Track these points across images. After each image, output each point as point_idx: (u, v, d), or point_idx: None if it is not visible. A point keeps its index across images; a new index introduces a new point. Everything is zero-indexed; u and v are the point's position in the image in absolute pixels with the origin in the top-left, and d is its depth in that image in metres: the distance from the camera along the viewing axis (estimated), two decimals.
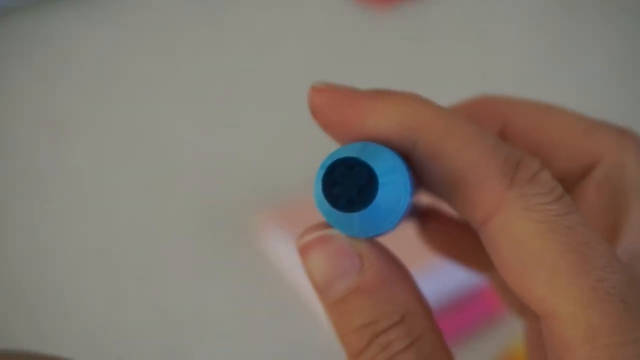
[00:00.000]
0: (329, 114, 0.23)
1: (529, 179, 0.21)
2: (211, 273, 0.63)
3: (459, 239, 0.28)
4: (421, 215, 0.29)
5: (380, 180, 0.19)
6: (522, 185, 0.21)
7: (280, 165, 0.73)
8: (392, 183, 0.20)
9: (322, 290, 0.22)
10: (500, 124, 0.26)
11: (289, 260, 0.62)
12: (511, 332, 0.57)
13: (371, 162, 0.19)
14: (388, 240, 0.23)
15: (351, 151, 0.20)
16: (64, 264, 0.64)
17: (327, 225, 0.22)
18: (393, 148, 0.22)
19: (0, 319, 0.59)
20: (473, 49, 0.90)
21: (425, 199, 0.27)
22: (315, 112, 0.23)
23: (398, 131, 0.22)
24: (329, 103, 0.23)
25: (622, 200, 0.24)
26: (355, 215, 0.20)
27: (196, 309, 0.60)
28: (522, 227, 0.21)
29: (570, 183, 0.26)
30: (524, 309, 0.27)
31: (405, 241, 0.55)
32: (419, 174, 0.23)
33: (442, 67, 0.87)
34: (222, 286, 0.62)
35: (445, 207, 0.25)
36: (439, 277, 0.57)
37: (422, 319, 0.21)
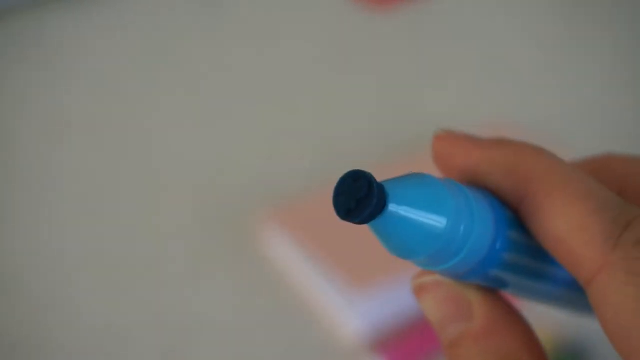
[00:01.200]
0: (448, 161, 0.24)
1: (636, 241, 0.21)
2: (211, 273, 0.63)
3: None
4: None
5: (397, 201, 0.20)
6: (627, 247, 0.21)
7: (280, 165, 0.73)
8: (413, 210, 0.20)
9: (437, 331, 0.23)
10: (620, 182, 0.25)
11: (289, 260, 0.63)
12: None
13: (390, 182, 0.21)
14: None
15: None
16: (64, 264, 0.64)
17: (435, 272, 0.23)
18: (503, 198, 0.23)
19: (1, 318, 0.59)
20: (473, 49, 0.90)
21: None
22: (436, 158, 0.24)
23: (508, 180, 0.23)
24: (449, 151, 0.24)
25: None
26: (374, 228, 0.21)
27: (196, 309, 0.60)
28: (623, 291, 0.20)
29: None
30: None
31: None
32: (530, 227, 0.23)
33: (442, 68, 0.87)
34: (222, 286, 0.62)
35: None
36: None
37: None
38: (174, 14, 0.96)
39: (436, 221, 0.20)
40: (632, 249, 0.21)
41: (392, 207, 0.20)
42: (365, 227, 0.65)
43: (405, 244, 0.21)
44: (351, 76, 0.85)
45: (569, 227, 0.21)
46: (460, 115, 0.79)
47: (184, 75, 0.86)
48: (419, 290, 0.23)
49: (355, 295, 0.59)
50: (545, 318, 0.59)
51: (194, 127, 0.78)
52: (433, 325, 0.23)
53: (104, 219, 0.68)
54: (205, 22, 0.95)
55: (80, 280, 0.63)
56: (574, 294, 0.25)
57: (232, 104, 0.81)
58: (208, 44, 0.91)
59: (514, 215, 0.23)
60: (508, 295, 0.25)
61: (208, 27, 0.94)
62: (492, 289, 0.23)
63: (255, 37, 0.92)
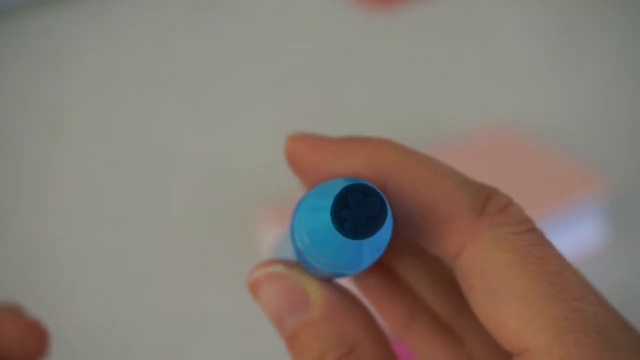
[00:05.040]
0: (302, 158, 0.24)
1: (499, 210, 0.21)
2: (211, 273, 0.63)
3: (389, 293, 0.27)
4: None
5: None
6: (491, 216, 0.21)
7: (280, 165, 0.73)
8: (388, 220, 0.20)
9: (276, 325, 0.23)
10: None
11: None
12: None
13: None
14: None
15: (338, 184, 0.20)
16: (64, 264, 0.64)
17: (275, 262, 0.23)
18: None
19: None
20: (473, 49, 0.90)
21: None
22: (289, 157, 0.24)
23: (368, 171, 0.23)
24: (302, 148, 0.24)
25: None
26: (349, 244, 0.19)
27: (196, 309, 0.60)
28: (492, 257, 0.21)
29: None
30: None
31: None
32: (395, 209, 0.23)
33: (441, 68, 0.87)
34: (222, 286, 0.62)
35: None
36: None
37: (372, 349, 0.22)
38: (174, 13, 0.96)
39: (389, 231, 0.20)
40: (497, 217, 0.21)
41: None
42: None
43: (363, 257, 0.20)
44: (350, 76, 0.85)
45: (434, 202, 0.22)
46: (460, 116, 0.79)
47: (184, 75, 0.86)
48: (255, 285, 0.23)
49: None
50: None
51: (194, 127, 0.78)
52: (271, 320, 0.23)
53: (104, 218, 0.68)
54: (205, 22, 0.94)
55: (79, 279, 0.63)
56: None
57: (232, 104, 0.81)
58: (208, 44, 0.90)
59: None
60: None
61: (208, 27, 0.93)
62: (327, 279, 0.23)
63: (254, 37, 0.92)
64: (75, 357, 0.57)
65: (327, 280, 0.23)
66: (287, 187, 0.71)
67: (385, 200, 0.19)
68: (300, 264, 0.23)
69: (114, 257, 0.64)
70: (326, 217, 0.19)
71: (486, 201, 0.21)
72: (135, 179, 0.72)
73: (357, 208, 0.19)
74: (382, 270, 0.26)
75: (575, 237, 0.63)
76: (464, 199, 0.21)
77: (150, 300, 0.61)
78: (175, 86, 0.84)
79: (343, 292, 0.23)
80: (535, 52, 0.89)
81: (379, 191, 0.19)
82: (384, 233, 0.20)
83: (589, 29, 0.93)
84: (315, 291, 0.22)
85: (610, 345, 0.19)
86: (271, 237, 0.64)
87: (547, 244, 0.21)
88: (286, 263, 0.23)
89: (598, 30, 0.93)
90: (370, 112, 0.80)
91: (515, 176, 0.64)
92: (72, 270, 0.63)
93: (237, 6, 0.97)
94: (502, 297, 0.20)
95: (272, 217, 0.64)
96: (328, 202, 0.19)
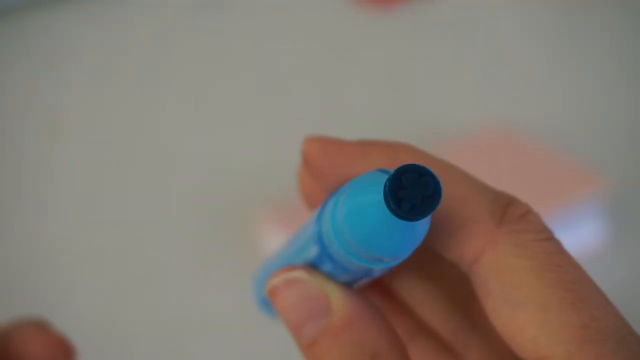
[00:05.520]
0: (319, 162, 0.23)
1: (519, 217, 0.21)
2: (211, 273, 0.63)
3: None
4: None
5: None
6: (512, 222, 0.21)
7: (280, 165, 0.73)
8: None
9: (294, 333, 0.22)
10: None
11: None
12: None
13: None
14: None
15: (376, 175, 0.20)
16: (64, 264, 0.64)
17: (295, 268, 0.22)
18: None
19: (1, 318, 0.59)
20: (473, 50, 0.90)
21: None
22: (307, 160, 0.24)
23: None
24: (320, 152, 0.23)
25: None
26: (399, 228, 0.20)
27: (196, 309, 0.60)
28: (512, 263, 0.20)
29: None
30: None
31: None
32: None
33: (441, 68, 0.87)
34: (222, 286, 0.62)
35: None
36: None
37: (392, 358, 0.21)
38: (174, 13, 0.96)
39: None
40: (517, 223, 0.21)
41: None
42: None
43: (404, 245, 0.20)
44: (350, 76, 0.85)
45: (454, 207, 0.21)
46: (460, 116, 0.79)
47: (184, 75, 0.86)
48: (274, 292, 0.22)
49: None
50: None
51: (194, 127, 0.78)
52: (288, 328, 0.22)
53: (104, 218, 0.68)
54: (205, 22, 0.95)
55: (79, 279, 0.63)
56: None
57: (232, 104, 0.81)
58: (208, 44, 0.91)
59: None
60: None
61: (208, 28, 0.94)
62: (351, 285, 0.23)
63: (254, 37, 0.92)
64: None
65: (348, 287, 0.22)
66: (287, 187, 0.71)
67: (439, 180, 0.19)
68: (319, 270, 0.23)
69: (114, 257, 0.64)
70: (376, 201, 0.19)
71: (506, 208, 0.21)
72: (136, 179, 0.72)
73: (412, 188, 0.19)
74: (380, 290, 0.26)
75: (575, 237, 0.63)
76: (484, 205, 0.21)
77: (150, 300, 0.61)
78: (175, 86, 0.84)
79: (363, 299, 0.22)
80: (535, 52, 0.89)
81: (430, 170, 0.19)
82: (426, 221, 0.20)
83: (589, 29, 0.93)
84: (337, 296, 0.22)
85: (630, 356, 0.19)
86: (271, 238, 0.64)
87: (565, 253, 0.21)
88: (307, 269, 0.23)
89: (598, 30, 0.93)
90: (370, 112, 0.80)
91: (515, 176, 0.64)
92: (72, 270, 0.63)
93: (237, 6, 0.97)
94: (521, 304, 0.20)
95: (272, 217, 0.64)
96: (375, 189, 0.19)
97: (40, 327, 0.26)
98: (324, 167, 0.23)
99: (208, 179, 0.72)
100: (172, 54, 0.89)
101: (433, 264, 0.25)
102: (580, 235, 0.63)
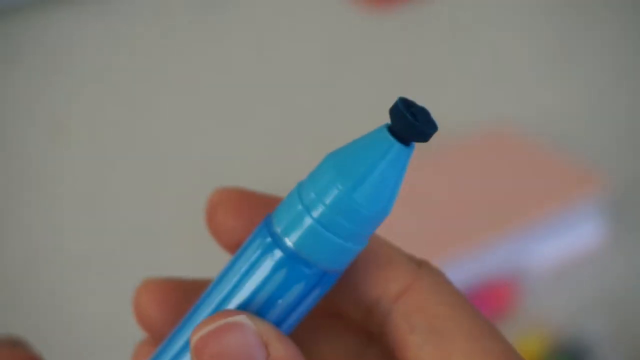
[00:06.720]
0: (233, 213, 0.26)
1: (434, 269, 0.23)
2: (211, 273, 0.63)
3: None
4: None
5: None
6: (428, 266, 0.23)
7: (280, 165, 0.73)
8: None
9: None
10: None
11: None
12: (520, 329, 0.57)
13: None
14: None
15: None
16: (63, 264, 0.64)
17: (235, 312, 0.22)
18: None
19: (1, 318, 0.59)
20: (473, 50, 0.90)
21: None
22: (212, 212, 0.25)
23: None
24: (235, 200, 0.26)
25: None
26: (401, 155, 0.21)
27: None
28: (435, 298, 0.22)
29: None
30: None
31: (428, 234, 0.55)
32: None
33: (441, 68, 0.87)
34: None
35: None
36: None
37: None
38: (174, 13, 0.96)
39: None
40: (433, 269, 0.23)
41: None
42: None
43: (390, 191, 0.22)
44: (351, 77, 0.86)
45: (378, 250, 0.23)
46: (460, 117, 0.79)
47: (184, 75, 0.86)
48: (204, 341, 0.22)
49: None
50: (545, 317, 0.59)
51: (195, 127, 0.78)
52: None
53: (104, 219, 0.68)
54: (204, 22, 0.95)
55: (79, 280, 0.63)
56: None
57: (232, 104, 0.82)
58: (208, 44, 0.91)
59: None
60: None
61: (208, 28, 0.94)
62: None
63: (255, 37, 0.92)
64: (75, 357, 0.57)
65: (287, 338, 0.22)
66: (287, 187, 0.71)
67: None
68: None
69: (114, 257, 0.64)
70: (380, 136, 0.21)
71: (420, 265, 0.23)
72: (135, 179, 0.72)
73: (417, 110, 0.22)
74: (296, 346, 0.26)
75: (575, 237, 0.63)
76: (404, 255, 0.23)
77: None
78: (175, 86, 0.84)
79: (294, 345, 0.22)
80: (535, 52, 0.89)
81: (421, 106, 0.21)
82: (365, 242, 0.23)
83: (589, 29, 0.93)
84: (273, 343, 0.22)
85: None
86: None
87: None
88: (248, 314, 0.22)
89: (598, 31, 0.93)
90: (370, 112, 0.80)
91: (515, 176, 0.64)
92: (72, 270, 0.63)
93: (237, 6, 0.97)
94: (447, 335, 0.22)
95: None
96: (372, 135, 0.21)
97: (18, 346, 0.26)
98: (227, 220, 0.26)
99: (208, 179, 0.72)
100: (172, 54, 0.89)
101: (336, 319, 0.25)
102: (579, 235, 0.63)
